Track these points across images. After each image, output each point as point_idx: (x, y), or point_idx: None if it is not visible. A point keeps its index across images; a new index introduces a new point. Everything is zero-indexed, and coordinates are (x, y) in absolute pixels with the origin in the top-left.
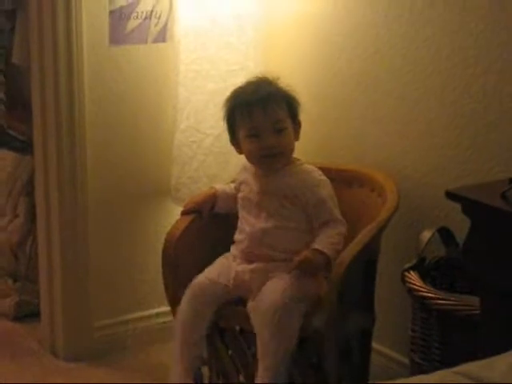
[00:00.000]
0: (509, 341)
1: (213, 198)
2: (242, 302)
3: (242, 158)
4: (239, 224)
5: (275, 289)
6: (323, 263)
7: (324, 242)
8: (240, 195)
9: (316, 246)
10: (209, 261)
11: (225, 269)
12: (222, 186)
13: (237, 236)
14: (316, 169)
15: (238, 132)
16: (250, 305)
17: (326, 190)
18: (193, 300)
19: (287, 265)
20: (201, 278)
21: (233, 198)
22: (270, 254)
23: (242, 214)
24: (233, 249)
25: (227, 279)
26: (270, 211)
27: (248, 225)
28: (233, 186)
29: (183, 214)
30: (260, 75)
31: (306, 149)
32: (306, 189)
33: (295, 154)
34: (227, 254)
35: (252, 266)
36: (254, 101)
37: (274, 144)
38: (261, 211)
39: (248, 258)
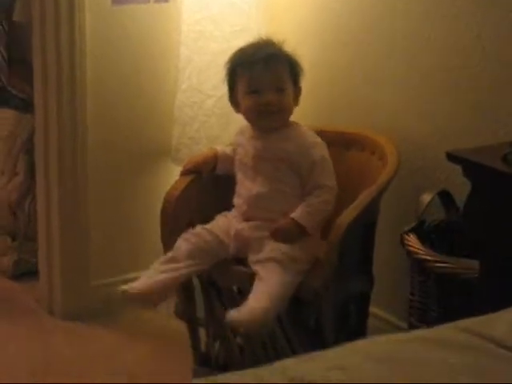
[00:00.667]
0: (507, 303)
1: (213, 159)
2: (240, 262)
3: (243, 121)
4: (237, 187)
5: (275, 247)
6: (297, 233)
7: (301, 212)
8: (236, 157)
9: (293, 215)
10: (207, 221)
11: (225, 226)
12: (223, 147)
13: (235, 200)
14: (311, 131)
15: (237, 89)
16: (251, 258)
17: (320, 152)
18: (190, 244)
19: None
20: (200, 229)
21: (233, 160)
22: (268, 216)
23: (238, 177)
24: (233, 211)
25: (227, 236)
26: (265, 175)
27: (245, 189)
28: (231, 148)
29: (182, 174)
30: (265, 37)
31: (306, 112)
32: (300, 151)
33: (295, 118)
34: (227, 213)
35: (251, 223)
36: (257, 58)
37: (273, 101)
38: (256, 175)
39: (246, 219)
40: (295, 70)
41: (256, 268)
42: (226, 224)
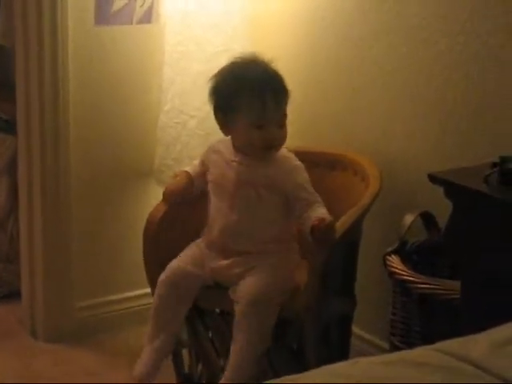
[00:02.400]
0: (489, 324)
1: (190, 184)
2: (221, 285)
3: None
4: (210, 210)
5: (254, 283)
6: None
7: (320, 212)
8: (210, 178)
9: (315, 216)
10: (190, 242)
11: (199, 260)
12: (191, 167)
13: (210, 222)
14: (291, 154)
15: (236, 115)
16: (232, 293)
17: (302, 175)
18: (168, 290)
19: (263, 256)
20: (175, 269)
21: (203, 177)
22: (245, 246)
23: (213, 200)
24: (205, 236)
25: (202, 271)
26: (245, 202)
27: (221, 215)
28: (196, 163)
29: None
30: (253, 55)
31: (290, 132)
32: (283, 175)
33: None
34: (198, 242)
35: (228, 262)
36: (268, 88)
37: (277, 137)
38: (235, 201)
39: (222, 251)
40: (288, 97)
41: (235, 310)
42: (199, 256)
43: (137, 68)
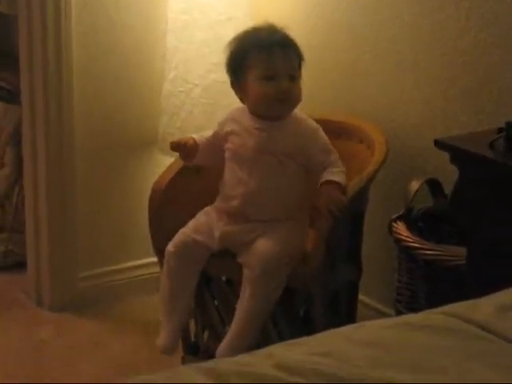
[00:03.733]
0: (494, 289)
1: (195, 147)
2: (229, 252)
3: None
4: (227, 178)
5: (265, 248)
6: (341, 192)
7: (330, 174)
8: (229, 147)
9: (324, 178)
10: (195, 211)
11: (208, 228)
12: (198, 136)
13: (227, 191)
14: (306, 116)
15: (247, 73)
16: (241, 258)
17: (323, 136)
18: (177, 261)
19: (276, 223)
20: (183, 239)
21: (214, 147)
22: (264, 214)
23: (232, 168)
24: (218, 203)
25: (211, 240)
26: (266, 170)
27: (240, 183)
28: (206, 134)
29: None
30: (266, 22)
31: None
32: (304, 140)
33: None
34: (208, 210)
35: (239, 227)
36: (275, 42)
37: (289, 88)
38: (256, 169)
39: (236, 217)
40: (301, 59)
41: (244, 275)
42: (208, 224)
43: (140, 36)
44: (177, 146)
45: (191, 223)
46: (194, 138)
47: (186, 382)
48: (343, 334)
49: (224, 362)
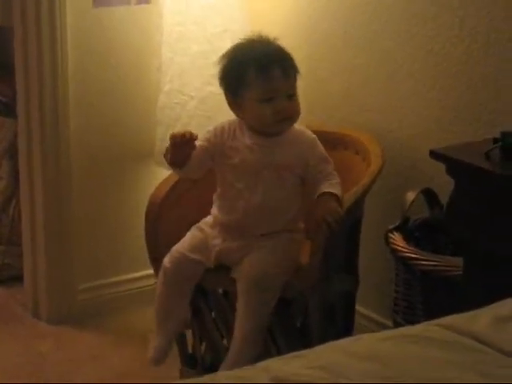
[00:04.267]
0: (491, 301)
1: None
2: (223, 266)
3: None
4: (227, 192)
5: (257, 262)
6: (337, 204)
7: (327, 186)
8: (229, 162)
9: (321, 190)
10: (191, 223)
11: (203, 245)
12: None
13: (226, 205)
14: (303, 127)
15: (244, 92)
16: (235, 273)
17: (320, 146)
18: (172, 278)
19: (271, 236)
20: (178, 257)
21: (205, 153)
22: (262, 228)
23: (231, 183)
24: (216, 216)
25: (207, 257)
26: (267, 184)
27: (241, 198)
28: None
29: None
30: (258, 34)
31: None
32: (303, 151)
33: None
34: (201, 226)
35: (237, 244)
36: (273, 60)
37: (287, 108)
38: (257, 184)
39: (234, 231)
40: (297, 72)
41: (238, 289)
42: (203, 241)
43: (136, 49)
44: (176, 137)
45: (187, 241)
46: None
47: None
48: (340, 347)
49: (221, 376)
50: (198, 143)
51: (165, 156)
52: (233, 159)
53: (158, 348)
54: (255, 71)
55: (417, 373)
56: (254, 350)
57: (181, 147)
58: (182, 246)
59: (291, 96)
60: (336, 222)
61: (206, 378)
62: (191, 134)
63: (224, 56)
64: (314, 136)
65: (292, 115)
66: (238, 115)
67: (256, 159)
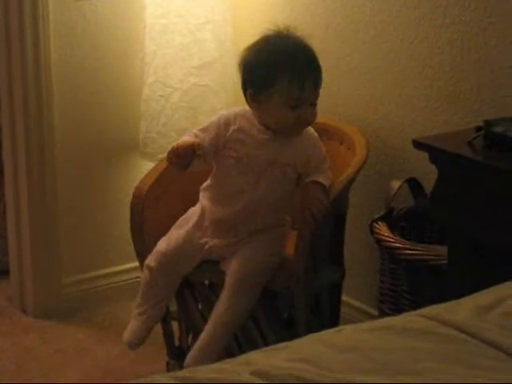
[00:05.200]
0: (476, 289)
1: (198, 144)
2: (210, 260)
3: (211, 114)
4: (223, 185)
5: (247, 256)
6: (324, 194)
7: (316, 176)
8: (232, 154)
9: (317, 178)
10: (177, 215)
11: (188, 243)
12: (197, 134)
13: (224, 199)
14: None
15: (271, 94)
16: (224, 266)
17: (322, 146)
18: (157, 275)
19: (261, 233)
20: (164, 255)
21: (211, 153)
22: (256, 223)
23: (234, 176)
24: (204, 210)
25: (194, 254)
26: (272, 181)
27: (243, 193)
28: (208, 135)
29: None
30: (288, 29)
31: None
32: (308, 150)
33: None
34: (187, 220)
35: (226, 241)
36: (309, 72)
37: (309, 116)
38: (262, 180)
39: (225, 228)
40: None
41: (226, 282)
42: (189, 240)
43: (119, 41)
44: (177, 155)
45: (172, 239)
46: (194, 137)
47: None
48: (322, 339)
49: (201, 371)
50: (200, 136)
51: (168, 156)
52: (238, 152)
53: (136, 331)
54: (290, 78)
55: (399, 364)
56: (226, 341)
57: (184, 157)
58: (166, 245)
59: (314, 104)
60: (321, 213)
61: (187, 371)
62: (193, 146)
63: (250, 48)
64: (316, 134)
65: (312, 122)
66: (252, 108)
67: (263, 154)
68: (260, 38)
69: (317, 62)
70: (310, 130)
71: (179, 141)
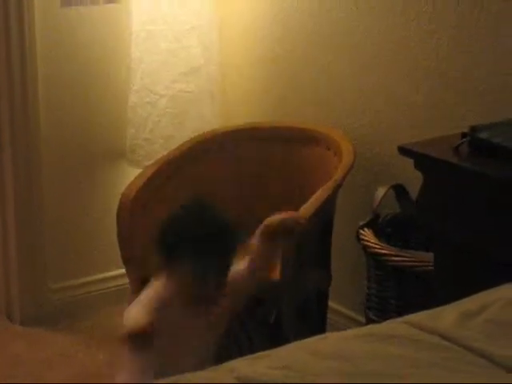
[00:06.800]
0: (462, 295)
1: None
2: None
3: (198, 120)
4: None
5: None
6: None
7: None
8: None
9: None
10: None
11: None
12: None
13: None
14: None
15: (182, 268)
16: None
17: None
18: None
19: None
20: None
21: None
22: None
23: None
24: None
25: None
26: None
27: None
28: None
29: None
30: (200, 201)
31: (262, 108)
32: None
33: (250, 115)
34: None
35: None
36: (220, 248)
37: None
38: None
39: None
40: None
41: None
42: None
43: (105, 48)
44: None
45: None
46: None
47: None
48: (305, 347)
49: (186, 377)
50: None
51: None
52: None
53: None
54: (194, 259)
55: (382, 371)
56: None
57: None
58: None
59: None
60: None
61: (173, 378)
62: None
63: (164, 227)
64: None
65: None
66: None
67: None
68: (173, 215)
69: (230, 241)
70: None
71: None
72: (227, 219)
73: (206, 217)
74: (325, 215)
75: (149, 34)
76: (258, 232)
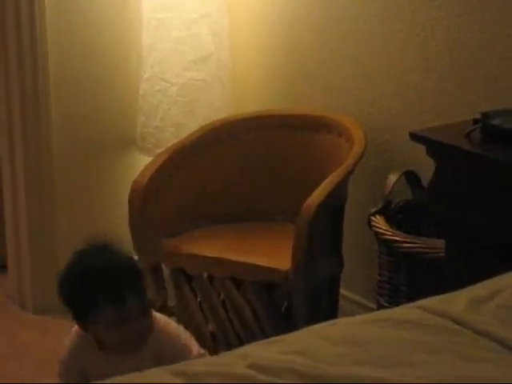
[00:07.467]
0: (473, 281)
1: None
2: None
3: (208, 108)
4: None
5: None
6: None
7: None
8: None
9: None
10: (175, 208)
11: None
12: None
13: None
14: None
15: (92, 322)
16: None
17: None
18: None
19: None
20: None
21: None
22: None
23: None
24: None
25: None
26: None
27: None
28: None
29: None
30: (98, 241)
31: (273, 96)
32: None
33: (261, 103)
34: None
35: None
36: (127, 285)
37: (142, 328)
38: None
39: None
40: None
41: None
42: None
43: (116, 36)
44: None
45: None
46: None
47: (160, 383)
48: (318, 332)
49: (198, 364)
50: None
51: None
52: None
53: None
54: (105, 304)
55: (393, 356)
56: None
57: None
58: None
59: (145, 312)
60: None
61: (183, 364)
62: None
63: (65, 272)
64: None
65: (147, 333)
66: (85, 331)
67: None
68: (71, 260)
69: (130, 272)
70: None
71: None
72: (124, 259)
73: (100, 261)
74: (336, 202)
75: (159, 22)
76: None
